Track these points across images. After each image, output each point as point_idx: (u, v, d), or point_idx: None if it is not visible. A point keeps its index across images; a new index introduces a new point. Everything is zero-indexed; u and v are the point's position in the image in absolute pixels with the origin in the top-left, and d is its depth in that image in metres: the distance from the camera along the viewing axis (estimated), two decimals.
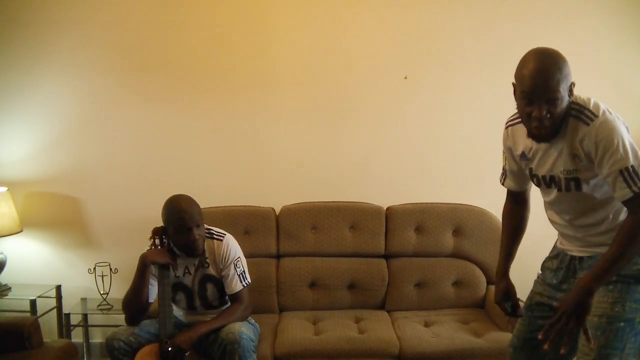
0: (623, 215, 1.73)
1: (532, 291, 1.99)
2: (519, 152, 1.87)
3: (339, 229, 3.06)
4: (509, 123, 1.90)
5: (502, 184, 2.04)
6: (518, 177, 1.96)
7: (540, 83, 1.61)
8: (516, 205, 2.03)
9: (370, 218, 3.06)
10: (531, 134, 1.74)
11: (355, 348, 2.59)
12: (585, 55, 3.04)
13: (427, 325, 2.82)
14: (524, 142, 1.83)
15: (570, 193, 1.75)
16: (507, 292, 1.98)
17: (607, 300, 1.70)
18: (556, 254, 1.93)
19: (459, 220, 3.05)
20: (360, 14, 3.16)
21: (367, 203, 3.11)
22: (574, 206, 1.79)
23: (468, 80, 3.19)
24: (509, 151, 1.94)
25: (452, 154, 3.25)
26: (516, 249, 2.04)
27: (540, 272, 1.99)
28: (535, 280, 1.99)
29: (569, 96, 1.66)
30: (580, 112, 1.67)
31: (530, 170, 1.85)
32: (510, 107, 3.31)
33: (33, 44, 3.16)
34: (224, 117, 3.23)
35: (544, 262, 1.99)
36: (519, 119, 1.80)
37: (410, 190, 3.21)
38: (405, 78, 3.19)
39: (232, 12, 3.16)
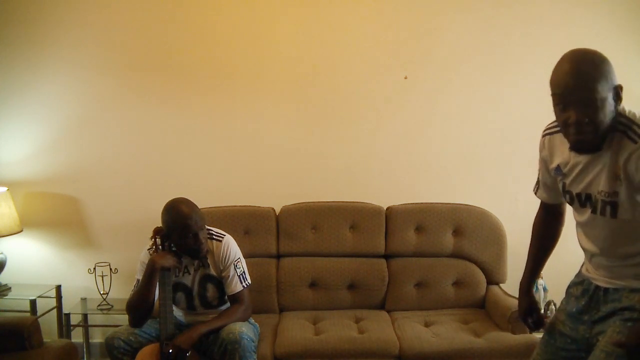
0: None
1: (555, 316, 1.84)
2: (554, 165, 1.69)
3: (339, 229, 3.05)
4: (547, 131, 1.72)
5: (535, 194, 1.88)
6: (551, 190, 1.79)
7: (572, 82, 1.44)
8: (549, 218, 1.87)
9: (370, 218, 3.06)
10: (572, 145, 1.55)
11: (355, 348, 2.59)
12: None
13: (427, 325, 2.82)
14: (561, 154, 1.65)
15: (605, 218, 1.57)
16: (530, 309, 1.89)
17: (620, 339, 1.54)
18: (581, 281, 1.76)
19: (459, 220, 3.05)
20: (360, 14, 3.16)
21: (367, 203, 3.11)
22: (607, 232, 1.60)
23: (468, 81, 3.19)
24: (543, 162, 1.76)
25: (452, 154, 3.25)
26: (543, 265, 1.91)
27: (564, 297, 1.84)
28: (561, 302, 1.86)
29: (615, 101, 1.47)
30: (628, 127, 1.47)
31: (564, 185, 1.67)
32: (510, 106, 3.32)
33: (33, 44, 3.16)
34: (224, 117, 3.23)
35: (568, 287, 1.82)
36: (558, 128, 1.64)
37: (410, 190, 3.22)
38: (405, 78, 3.19)
39: (231, 12, 3.16)
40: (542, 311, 1.95)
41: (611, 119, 1.48)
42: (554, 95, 1.51)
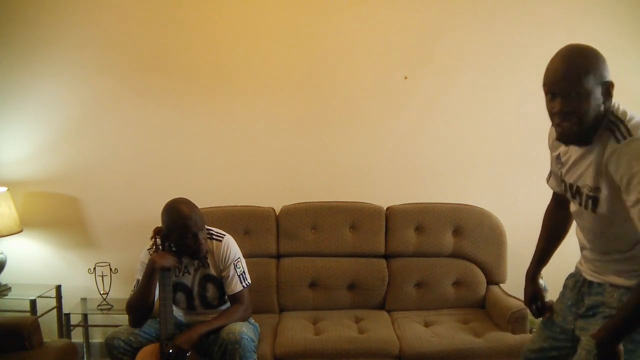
0: None
1: (552, 306, 1.90)
2: (555, 153, 1.76)
3: (339, 229, 3.05)
4: None
5: (547, 183, 1.91)
6: (558, 178, 1.82)
7: (561, 72, 1.49)
8: (559, 208, 1.90)
9: (370, 218, 3.06)
10: (557, 135, 1.60)
11: (355, 348, 2.59)
12: None
13: (427, 325, 2.82)
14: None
15: (587, 211, 1.63)
16: (535, 296, 1.92)
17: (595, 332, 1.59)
18: (575, 273, 1.83)
19: (459, 220, 3.05)
20: (361, 15, 3.16)
21: (367, 203, 3.11)
22: (590, 226, 1.67)
23: (468, 81, 3.19)
24: (550, 150, 1.82)
25: (452, 154, 3.25)
26: (551, 254, 1.94)
27: (563, 287, 1.90)
28: (560, 293, 1.91)
29: (605, 97, 1.50)
30: (616, 126, 1.51)
31: (561, 174, 1.74)
32: (510, 107, 3.32)
33: (33, 44, 3.16)
34: (224, 117, 3.23)
35: (566, 279, 1.89)
36: None
37: (410, 190, 3.22)
38: (406, 78, 3.19)
39: (231, 12, 3.16)
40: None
41: (597, 113, 1.51)
42: (543, 85, 1.57)
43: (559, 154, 1.73)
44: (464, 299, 3.01)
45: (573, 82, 1.48)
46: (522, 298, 2.01)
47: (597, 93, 1.49)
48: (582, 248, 1.77)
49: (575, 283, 1.79)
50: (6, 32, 3.16)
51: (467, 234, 3.05)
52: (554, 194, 1.92)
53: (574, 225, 1.86)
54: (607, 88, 1.51)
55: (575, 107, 1.50)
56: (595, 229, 1.66)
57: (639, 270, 1.59)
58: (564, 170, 1.72)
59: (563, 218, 1.90)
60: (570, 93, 1.49)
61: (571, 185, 1.70)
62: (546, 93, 1.56)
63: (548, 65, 1.56)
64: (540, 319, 1.94)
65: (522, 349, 1.95)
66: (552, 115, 1.56)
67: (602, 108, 1.51)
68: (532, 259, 1.97)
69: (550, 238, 1.94)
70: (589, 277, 1.73)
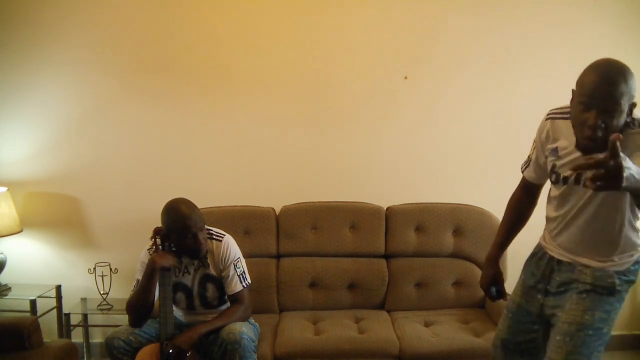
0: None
1: (513, 292, 2.01)
2: (552, 146, 1.80)
3: (339, 229, 3.06)
4: (552, 115, 1.82)
5: (522, 172, 2.00)
6: (541, 169, 1.91)
7: (602, 89, 1.55)
8: (526, 197, 2.01)
9: (370, 218, 3.06)
10: (580, 144, 1.66)
11: (355, 348, 2.59)
12: (585, 58, 3.02)
13: (427, 325, 2.82)
14: (563, 139, 1.75)
15: (596, 198, 1.70)
16: (495, 278, 2.02)
17: (578, 309, 1.72)
18: (537, 252, 1.95)
19: (459, 220, 3.05)
20: (361, 15, 3.16)
21: (367, 203, 3.11)
22: (588, 213, 1.74)
23: (468, 81, 3.19)
24: (541, 142, 1.86)
25: (452, 154, 3.25)
26: (512, 240, 2.05)
27: (522, 270, 2.00)
28: (519, 277, 2.01)
29: (628, 115, 1.59)
30: (632, 122, 1.62)
31: (553, 166, 1.80)
32: (510, 107, 3.32)
33: (33, 44, 3.16)
34: (225, 117, 3.23)
35: (527, 260, 1.99)
36: (566, 115, 1.74)
37: (410, 190, 3.22)
38: (406, 78, 3.19)
39: (231, 12, 3.16)
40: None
41: (621, 126, 1.60)
42: (580, 95, 1.60)
43: (557, 147, 1.78)
44: (464, 299, 3.02)
45: (613, 102, 1.55)
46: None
47: (626, 112, 1.58)
48: (557, 234, 1.84)
49: (539, 261, 1.90)
50: (6, 32, 3.16)
51: (467, 234, 3.05)
52: (524, 184, 2.00)
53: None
54: (632, 108, 1.60)
55: (608, 122, 1.56)
56: (594, 215, 1.72)
57: (612, 255, 1.74)
58: (559, 163, 1.78)
59: (528, 207, 2.01)
60: (607, 111, 1.55)
61: (565, 178, 1.76)
62: (579, 102, 1.60)
63: (587, 77, 1.60)
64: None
65: (493, 338, 2.02)
66: (582, 125, 1.60)
67: (624, 122, 1.60)
68: (494, 242, 2.06)
69: (514, 225, 2.04)
70: (557, 256, 1.84)
